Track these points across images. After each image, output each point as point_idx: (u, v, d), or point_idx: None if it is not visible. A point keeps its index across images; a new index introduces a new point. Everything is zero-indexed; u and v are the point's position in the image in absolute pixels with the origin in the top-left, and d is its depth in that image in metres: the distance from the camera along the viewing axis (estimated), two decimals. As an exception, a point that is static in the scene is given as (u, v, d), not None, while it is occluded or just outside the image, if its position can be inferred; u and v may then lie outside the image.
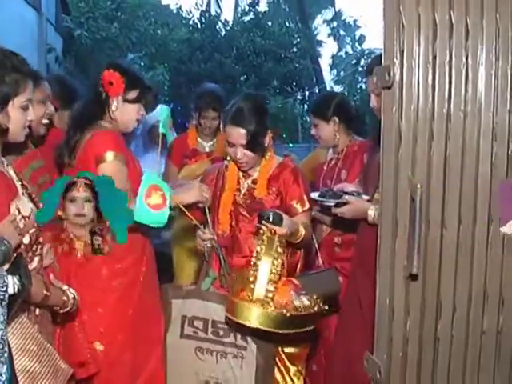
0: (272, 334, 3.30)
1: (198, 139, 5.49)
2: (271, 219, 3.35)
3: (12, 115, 2.67)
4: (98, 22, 21.02)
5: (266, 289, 3.19)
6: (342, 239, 4.31)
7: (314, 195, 3.82)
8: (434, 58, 2.06)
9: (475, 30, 2.06)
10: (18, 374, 2.43)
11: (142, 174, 3.40)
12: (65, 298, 2.85)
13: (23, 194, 2.74)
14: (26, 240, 2.68)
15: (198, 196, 3.56)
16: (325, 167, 4.63)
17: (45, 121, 3.49)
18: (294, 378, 3.73)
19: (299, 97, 27.02)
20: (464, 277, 2.12)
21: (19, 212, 2.63)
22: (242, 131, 3.66)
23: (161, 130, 4.16)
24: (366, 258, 3.07)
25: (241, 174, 3.93)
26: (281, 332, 3.20)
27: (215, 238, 3.71)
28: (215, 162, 4.82)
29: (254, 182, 3.88)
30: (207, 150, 5.48)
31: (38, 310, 2.79)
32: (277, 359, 3.67)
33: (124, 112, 3.69)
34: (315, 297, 3.29)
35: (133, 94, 3.69)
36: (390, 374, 2.15)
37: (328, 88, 26.44)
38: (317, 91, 25.27)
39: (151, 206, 3.22)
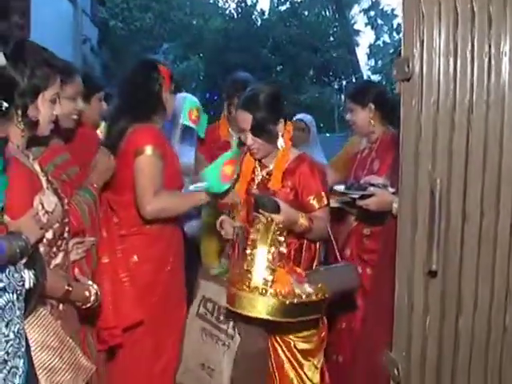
0: (274, 323, 3.21)
1: (230, 130, 5.23)
2: (267, 206, 3.31)
3: (42, 108, 2.71)
4: (133, 13, 21.13)
5: (263, 277, 3.13)
6: (371, 230, 4.23)
7: (340, 188, 3.78)
8: (455, 47, 2.01)
9: (498, 17, 2.00)
10: (37, 369, 2.42)
11: (180, 171, 3.90)
12: (87, 294, 2.85)
13: (48, 188, 2.73)
14: (50, 235, 2.68)
15: (230, 199, 3.75)
16: (358, 157, 4.56)
17: (74, 116, 3.49)
18: (309, 373, 3.64)
19: (336, 86, 26.90)
20: (486, 272, 2.06)
21: (42, 207, 2.61)
22: (248, 115, 3.60)
23: (181, 122, 4.14)
24: (391, 251, 3.02)
25: (257, 163, 3.85)
26: (280, 321, 3.13)
27: (244, 226, 3.66)
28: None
29: (269, 173, 3.78)
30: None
31: (61, 305, 2.78)
32: (288, 355, 3.60)
33: (172, 103, 3.96)
34: (320, 285, 3.23)
35: (172, 85, 3.93)
36: (408, 372, 2.11)
37: (365, 77, 26.27)
38: (354, 81, 25.10)
39: (223, 173, 3.62)
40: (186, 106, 4.14)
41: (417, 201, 2.05)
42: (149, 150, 3.62)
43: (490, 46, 2.01)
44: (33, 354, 2.39)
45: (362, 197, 3.62)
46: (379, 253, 3.86)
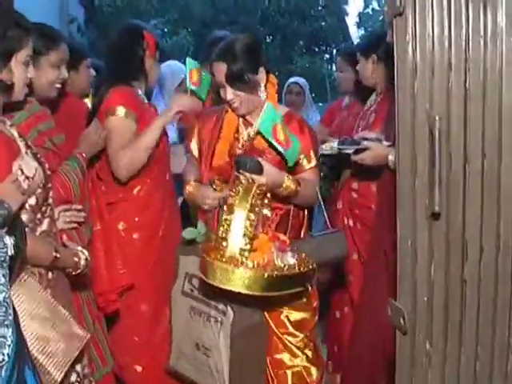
0: (255, 297, 2.98)
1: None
2: (248, 167, 3.11)
3: (15, 71, 2.66)
4: (119, -10, 20.95)
5: (239, 246, 2.87)
6: (358, 185, 4.22)
7: (333, 144, 3.73)
8: (449, -21, 1.92)
9: None
10: (28, 340, 2.37)
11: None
12: (76, 259, 2.79)
13: (27, 153, 2.69)
14: (33, 201, 2.65)
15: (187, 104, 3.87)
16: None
17: (57, 85, 3.41)
18: (302, 347, 3.50)
19: (326, 55, 26.76)
20: (491, 214, 1.99)
21: (22, 172, 2.57)
22: (223, 66, 3.40)
23: (188, 87, 4.07)
24: (389, 205, 2.97)
25: (241, 121, 3.60)
26: (259, 295, 2.90)
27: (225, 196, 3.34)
28: None
29: (255, 131, 3.49)
30: None
31: (50, 273, 2.74)
32: (280, 331, 3.48)
33: (156, 71, 4.00)
34: (303, 255, 3.05)
35: (158, 54, 3.95)
36: (414, 320, 2.04)
37: (355, 46, 26.14)
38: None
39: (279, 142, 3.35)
40: (187, 69, 4.06)
41: (415, 141, 1.97)
42: (120, 110, 3.63)
43: (485, -22, 1.92)
44: (22, 324, 2.33)
45: (357, 151, 3.57)
46: (376, 210, 3.83)
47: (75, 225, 3.12)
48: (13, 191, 2.46)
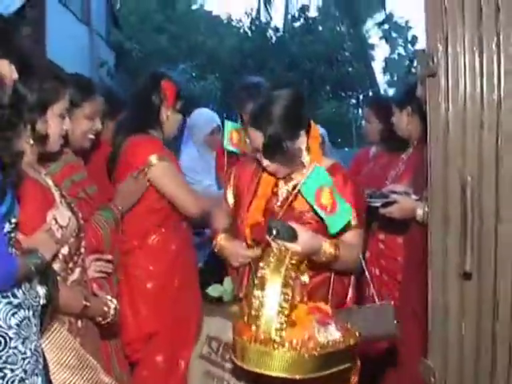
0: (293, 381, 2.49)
1: (246, 140, 4.92)
2: (280, 234, 2.69)
3: (51, 123, 2.69)
4: (148, 34, 21.33)
5: (275, 326, 2.47)
6: (386, 236, 4.21)
7: None
8: (480, 41, 1.94)
9: (524, 8, 1.93)
10: None
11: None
12: (105, 309, 2.81)
13: (61, 202, 2.71)
14: (65, 250, 2.66)
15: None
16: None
17: (91, 136, 3.45)
18: None
19: (353, 100, 26.88)
20: (522, 273, 1.99)
21: (56, 221, 2.59)
22: (259, 133, 2.99)
23: (225, 146, 4.07)
24: (417, 260, 2.95)
25: None
26: (301, 378, 2.46)
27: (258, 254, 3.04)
28: None
29: (295, 187, 3.00)
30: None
31: (80, 322, 2.74)
32: None
33: (174, 121, 3.82)
34: (348, 325, 2.64)
35: (179, 105, 3.79)
36: (445, 378, 2.03)
37: (382, 91, 26.25)
38: (370, 94, 25.07)
39: (322, 206, 2.97)
40: (227, 130, 4.14)
41: (448, 200, 1.98)
42: (153, 158, 3.55)
43: (516, 38, 1.95)
44: (51, 372, 2.35)
45: (385, 204, 3.57)
46: (404, 262, 3.82)
47: (105, 274, 3.13)
48: (47, 240, 2.48)
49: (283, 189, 3.15)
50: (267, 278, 2.54)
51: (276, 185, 3.17)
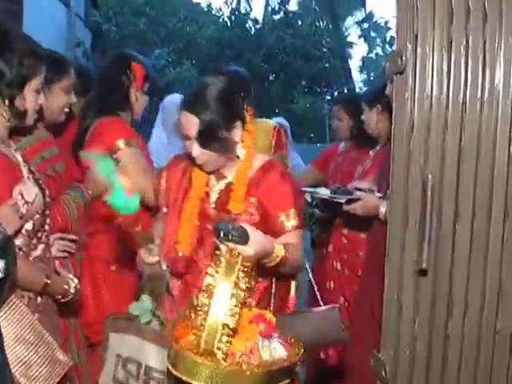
0: None
1: None
2: (230, 236, 2.41)
3: (28, 98, 2.69)
4: (127, 17, 21.24)
5: (218, 339, 2.20)
6: (349, 231, 4.25)
7: (325, 192, 3.75)
8: (450, 42, 1.97)
9: (493, 12, 1.96)
10: (11, 363, 2.37)
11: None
12: (66, 287, 2.81)
13: (29, 178, 2.69)
14: (29, 226, 2.64)
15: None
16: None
17: (66, 109, 3.45)
18: None
19: (328, 97, 26.95)
20: (477, 273, 2.02)
21: (22, 197, 2.57)
22: (194, 119, 2.75)
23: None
24: (378, 257, 2.99)
25: (212, 173, 2.97)
26: None
27: (162, 262, 2.75)
28: None
29: (229, 186, 2.89)
30: None
31: (39, 298, 2.73)
32: None
33: (142, 103, 3.80)
34: (291, 339, 2.42)
35: (147, 86, 3.80)
36: (396, 373, 2.06)
37: (357, 89, 26.33)
38: (345, 91, 25.15)
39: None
40: None
41: (408, 197, 2.01)
42: (121, 143, 3.51)
43: (484, 42, 1.98)
44: (7, 346, 2.33)
45: (349, 201, 3.60)
46: (364, 261, 3.86)
47: (67, 254, 3.13)
48: (10, 215, 2.48)
49: (216, 188, 2.94)
50: (215, 285, 2.25)
51: (207, 184, 2.94)
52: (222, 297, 2.23)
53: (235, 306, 2.23)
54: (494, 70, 1.98)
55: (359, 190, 3.64)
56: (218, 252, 2.39)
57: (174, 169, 3.09)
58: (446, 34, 1.97)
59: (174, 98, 5.37)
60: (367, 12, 33.50)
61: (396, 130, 2.07)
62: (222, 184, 2.93)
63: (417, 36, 1.97)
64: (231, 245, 2.40)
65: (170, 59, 21.17)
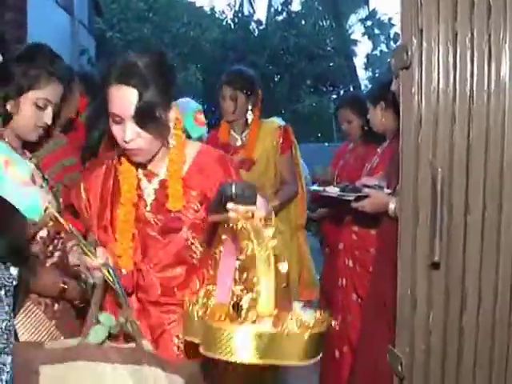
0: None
1: (231, 132, 4.78)
2: (245, 196, 2.01)
3: (23, 108, 2.68)
4: (130, 24, 21.33)
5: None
6: (359, 228, 4.26)
7: (335, 190, 3.75)
8: (455, 35, 1.97)
9: (498, 5, 1.96)
10: None
11: None
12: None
13: (42, 186, 2.72)
14: (44, 233, 2.65)
15: None
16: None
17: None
18: None
19: (333, 96, 26.94)
20: (490, 265, 2.02)
21: None
22: (132, 93, 2.35)
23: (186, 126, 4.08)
24: (388, 253, 2.99)
25: (140, 171, 2.61)
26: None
27: (110, 262, 2.38)
28: (242, 164, 4.48)
29: (164, 184, 2.56)
30: (239, 143, 4.76)
31: (56, 305, 2.75)
32: None
33: None
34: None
35: None
36: (412, 368, 2.07)
37: (363, 87, 26.32)
38: (351, 90, 25.14)
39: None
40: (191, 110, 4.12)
41: (418, 191, 2.01)
42: None
43: (489, 35, 1.97)
44: None
45: (357, 198, 3.59)
46: (375, 255, 3.86)
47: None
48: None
49: (149, 188, 2.59)
50: (257, 266, 1.86)
51: (138, 186, 2.59)
52: (266, 272, 1.86)
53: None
54: (500, 61, 1.98)
55: (368, 186, 3.64)
56: (230, 225, 2.00)
57: (93, 177, 2.67)
58: (451, 27, 1.97)
59: (180, 102, 5.40)
60: (370, 9, 33.47)
61: (404, 124, 2.07)
62: (156, 183, 2.58)
63: (422, 30, 1.97)
64: (244, 208, 1.99)
65: (175, 64, 21.24)
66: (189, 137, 4.04)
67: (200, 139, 4.08)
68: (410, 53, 1.98)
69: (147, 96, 2.34)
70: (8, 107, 2.65)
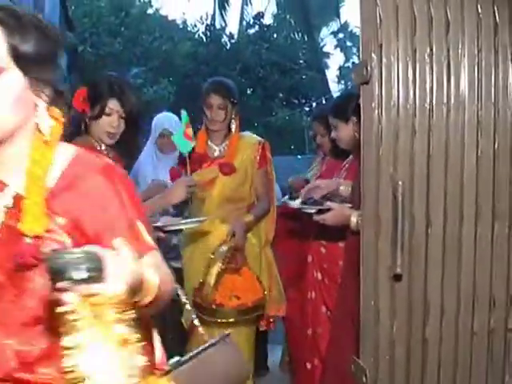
0: None
1: (208, 143, 4.65)
2: (75, 274, 1.30)
3: None
4: (102, 38, 21.26)
5: None
6: (327, 241, 4.26)
7: (296, 203, 3.76)
8: (414, 51, 2.01)
9: (456, 21, 2.01)
10: None
11: None
12: None
13: None
14: None
15: (183, 193, 3.58)
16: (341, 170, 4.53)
17: None
18: None
19: (306, 108, 27.00)
20: (451, 276, 2.06)
21: None
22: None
23: (173, 139, 4.02)
24: (354, 265, 3.01)
25: None
26: None
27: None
28: (223, 167, 4.48)
29: (19, 201, 1.67)
30: (217, 153, 4.65)
31: None
32: None
33: None
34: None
35: None
36: (377, 378, 2.09)
37: (335, 99, 26.41)
38: (324, 102, 25.23)
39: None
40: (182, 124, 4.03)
41: (379, 204, 2.04)
42: None
43: (448, 50, 2.02)
44: None
45: (319, 211, 3.61)
46: (341, 268, 3.88)
47: None
48: None
49: None
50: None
51: None
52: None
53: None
54: (459, 76, 2.02)
55: (330, 200, 3.65)
56: (65, 308, 1.37)
57: None
58: (410, 42, 2.01)
59: (158, 116, 5.42)
60: (342, 22, 33.62)
61: (365, 138, 2.10)
62: (8, 197, 1.71)
63: (381, 46, 2.01)
64: (85, 288, 1.34)
65: (146, 78, 21.16)
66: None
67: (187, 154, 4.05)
68: (369, 68, 2.01)
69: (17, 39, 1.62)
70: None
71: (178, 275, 4.44)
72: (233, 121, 4.60)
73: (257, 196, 4.65)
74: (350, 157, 4.34)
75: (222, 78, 5.15)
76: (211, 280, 4.13)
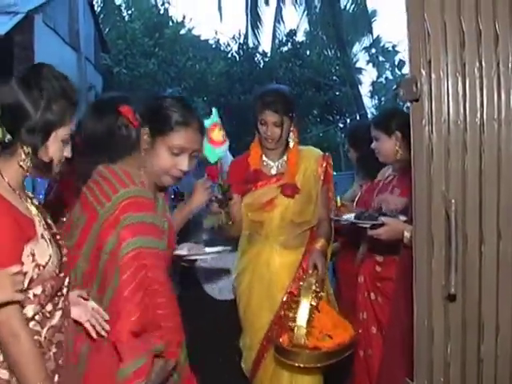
0: None
1: (264, 158, 4.29)
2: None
3: (51, 148, 2.31)
4: (136, 59, 21.49)
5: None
6: (384, 258, 4.18)
7: (350, 217, 3.73)
8: (463, 66, 1.97)
9: (505, 34, 1.96)
10: None
11: None
12: None
13: (43, 235, 2.31)
14: (38, 290, 2.25)
15: (205, 195, 3.50)
16: (380, 184, 4.43)
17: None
18: None
19: (340, 125, 27.00)
20: (506, 294, 2.00)
21: (33, 259, 2.22)
22: None
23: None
24: (406, 282, 2.97)
25: None
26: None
27: None
28: (285, 189, 4.08)
29: None
30: (274, 171, 4.29)
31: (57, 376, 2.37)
32: None
33: None
34: None
35: None
36: (431, 401, 2.04)
37: (369, 115, 26.39)
38: (358, 118, 25.20)
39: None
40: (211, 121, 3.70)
41: (432, 223, 1.99)
42: None
43: (498, 64, 1.97)
44: None
45: (373, 226, 3.58)
46: (394, 284, 3.82)
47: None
48: (6, 285, 2.03)
49: None
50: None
51: None
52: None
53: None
54: (509, 89, 1.98)
55: (384, 215, 3.62)
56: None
57: None
58: (459, 57, 1.97)
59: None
60: (374, 37, 33.64)
61: (416, 156, 2.07)
62: None
63: (430, 62, 1.98)
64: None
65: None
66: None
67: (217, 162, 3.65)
68: (419, 85, 1.98)
69: None
70: (40, 154, 2.26)
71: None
72: (291, 134, 4.18)
73: (320, 216, 4.24)
74: (387, 171, 4.30)
75: (277, 86, 4.61)
76: (303, 321, 3.61)
